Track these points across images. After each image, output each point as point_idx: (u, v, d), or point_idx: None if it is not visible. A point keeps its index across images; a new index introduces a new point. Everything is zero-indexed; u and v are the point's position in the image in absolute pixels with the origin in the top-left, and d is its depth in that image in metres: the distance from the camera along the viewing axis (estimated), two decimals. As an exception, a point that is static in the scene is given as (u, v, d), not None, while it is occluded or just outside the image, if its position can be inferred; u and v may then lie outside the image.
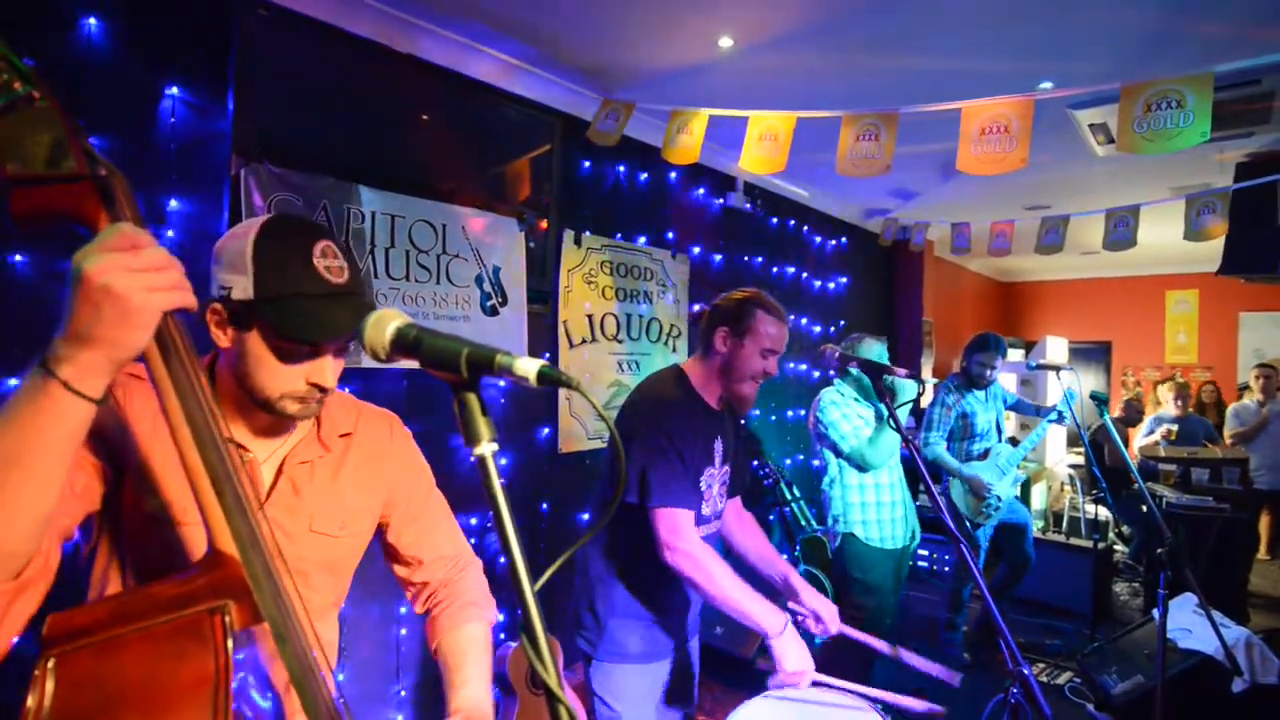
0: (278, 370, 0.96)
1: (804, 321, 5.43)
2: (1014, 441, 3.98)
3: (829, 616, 1.85)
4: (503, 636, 3.07)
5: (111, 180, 0.72)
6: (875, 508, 2.88)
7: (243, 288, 0.93)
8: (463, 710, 1.09)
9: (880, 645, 1.87)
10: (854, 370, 2.85)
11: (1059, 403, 3.77)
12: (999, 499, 3.79)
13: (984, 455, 3.88)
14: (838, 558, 2.95)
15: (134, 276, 0.66)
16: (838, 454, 2.88)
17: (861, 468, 2.85)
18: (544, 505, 3.36)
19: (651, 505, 1.65)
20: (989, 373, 3.88)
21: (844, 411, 2.87)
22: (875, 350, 2.87)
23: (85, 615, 0.70)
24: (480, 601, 1.27)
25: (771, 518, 4.60)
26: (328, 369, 0.98)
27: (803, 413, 5.32)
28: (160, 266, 0.68)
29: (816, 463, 4.49)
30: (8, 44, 0.66)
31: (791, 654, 1.61)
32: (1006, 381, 6.76)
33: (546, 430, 3.42)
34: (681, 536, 1.64)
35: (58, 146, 0.68)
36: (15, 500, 0.68)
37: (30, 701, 0.64)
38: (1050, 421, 3.87)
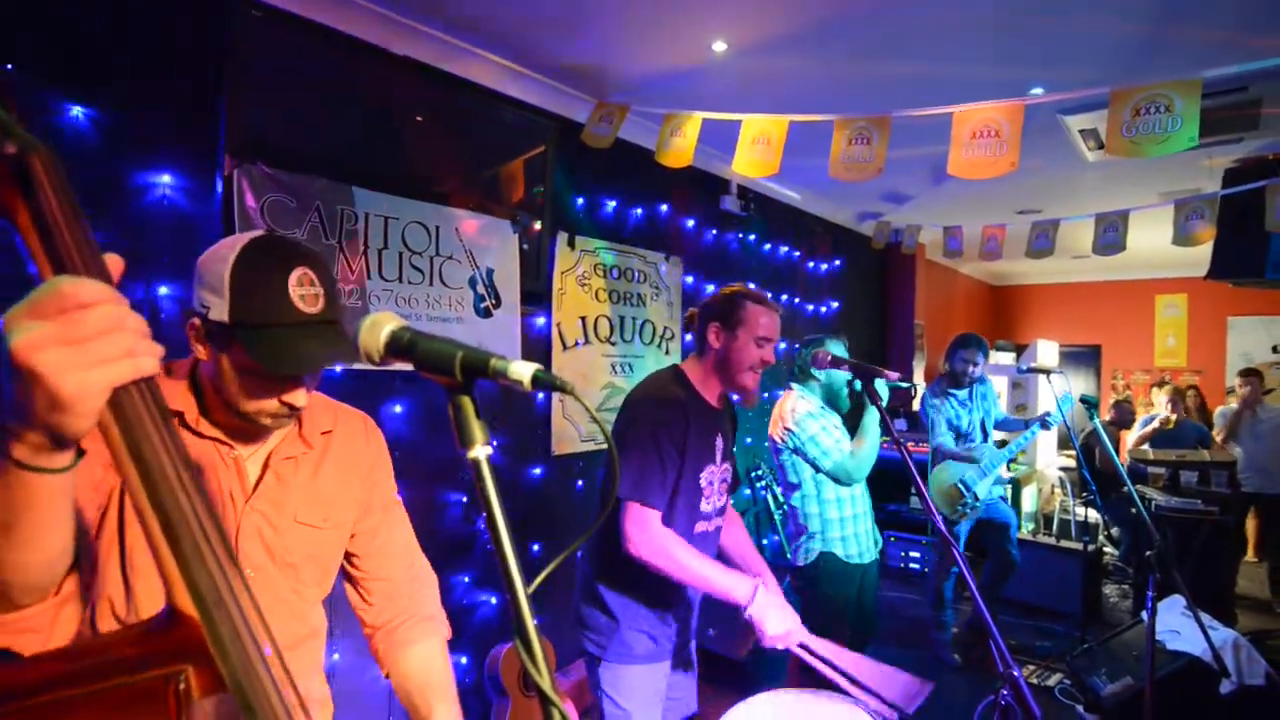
0: (251, 392, 0.98)
1: (796, 327, 5.44)
2: (1002, 444, 4.00)
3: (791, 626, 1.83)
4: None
5: (27, 158, 0.56)
6: (851, 521, 2.73)
7: (219, 310, 0.94)
8: None
9: (834, 677, 1.69)
10: (820, 374, 2.76)
11: (1054, 409, 3.81)
12: (976, 498, 3.82)
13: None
14: (809, 573, 2.72)
15: (67, 353, 0.53)
16: (817, 469, 2.68)
17: (842, 482, 2.67)
18: (537, 508, 3.36)
19: (622, 496, 1.68)
20: (973, 369, 3.91)
21: (823, 424, 2.67)
22: (837, 349, 2.67)
23: (32, 672, 0.61)
24: (435, 617, 1.27)
25: (765, 534, 4.62)
26: (301, 392, 1.01)
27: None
28: (105, 331, 0.54)
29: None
30: None
31: (770, 619, 1.63)
32: (997, 385, 6.80)
33: (539, 432, 3.41)
34: (645, 530, 1.67)
35: None
36: (18, 556, 0.66)
37: None
38: (1037, 429, 3.91)
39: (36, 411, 0.55)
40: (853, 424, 2.71)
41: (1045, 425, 3.89)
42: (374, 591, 1.25)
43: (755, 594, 1.66)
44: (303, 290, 0.95)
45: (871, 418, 2.61)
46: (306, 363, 0.96)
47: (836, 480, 2.66)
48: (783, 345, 5.31)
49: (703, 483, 1.83)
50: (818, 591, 2.71)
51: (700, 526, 1.85)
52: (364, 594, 1.25)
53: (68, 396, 0.54)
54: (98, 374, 0.54)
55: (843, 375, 2.70)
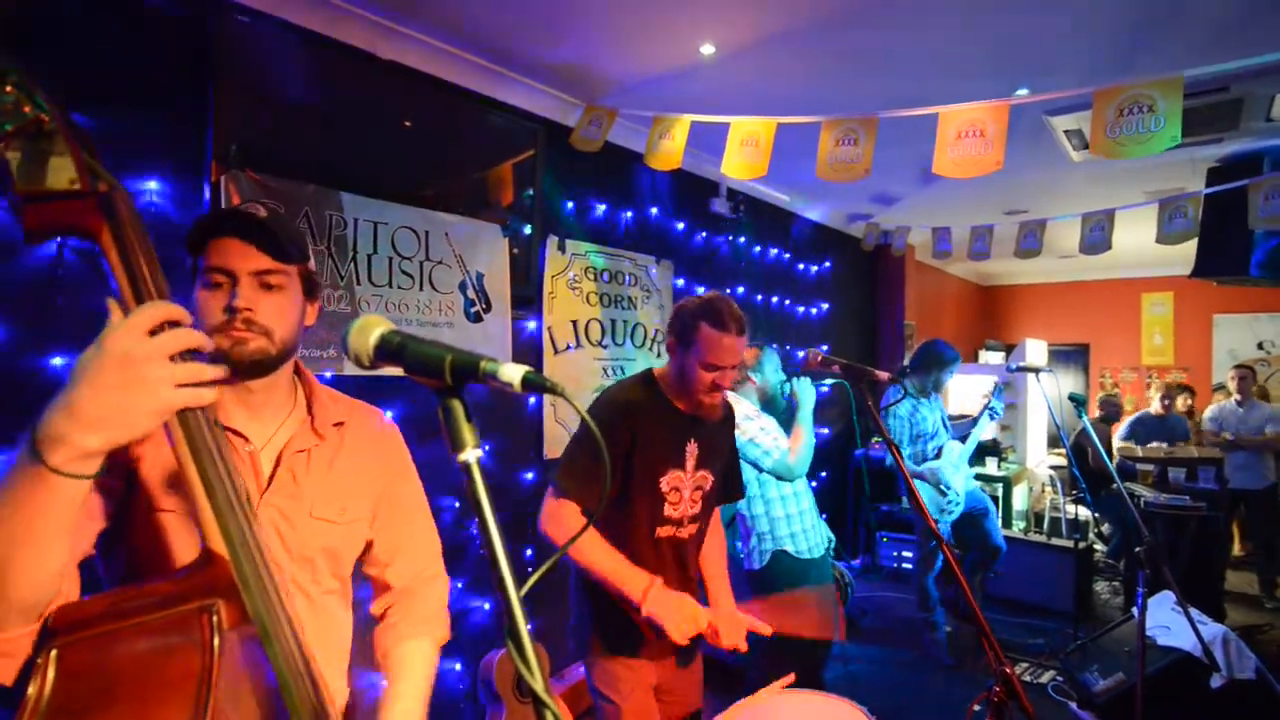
0: (202, 303, 1.00)
1: (790, 328, 5.46)
2: (962, 439, 4.07)
3: (730, 633, 1.71)
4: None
5: (113, 195, 0.76)
6: (798, 518, 2.75)
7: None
8: None
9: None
10: (756, 376, 2.83)
11: (988, 403, 4.01)
12: (957, 494, 3.86)
13: (939, 454, 3.94)
14: (766, 576, 2.72)
15: (170, 369, 0.69)
16: (759, 469, 2.70)
17: (784, 478, 2.70)
18: (529, 511, 3.35)
19: (550, 481, 1.75)
20: (946, 380, 4.02)
21: (760, 425, 2.71)
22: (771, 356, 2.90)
23: (88, 608, 0.74)
24: (432, 619, 1.27)
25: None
26: (243, 293, 1.00)
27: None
28: (193, 345, 0.72)
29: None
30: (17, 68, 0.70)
31: (670, 614, 1.57)
32: (985, 384, 6.84)
33: (532, 436, 3.41)
34: (555, 517, 1.72)
35: (63, 165, 0.73)
36: (25, 571, 0.71)
37: (31, 690, 0.67)
38: (986, 419, 4.02)
39: (118, 411, 0.67)
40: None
41: (993, 415, 4.03)
42: (382, 591, 1.27)
43: (647, 596, 1.58)
44: (249, 207, 1.08)
45: (804, 411, 2.67)
46: (219, 216, 1.04)
47: (779, 477, 2.70)
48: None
49: (665, 488, 1.79)
50: (778, 593, 2.66)
51: (663, 531, 1.82)
52: (375, 577, 1.28)
53: (163, 402, 0.69)
54: (182, 394, 0.70)
55: (779, 378, 2.83)
